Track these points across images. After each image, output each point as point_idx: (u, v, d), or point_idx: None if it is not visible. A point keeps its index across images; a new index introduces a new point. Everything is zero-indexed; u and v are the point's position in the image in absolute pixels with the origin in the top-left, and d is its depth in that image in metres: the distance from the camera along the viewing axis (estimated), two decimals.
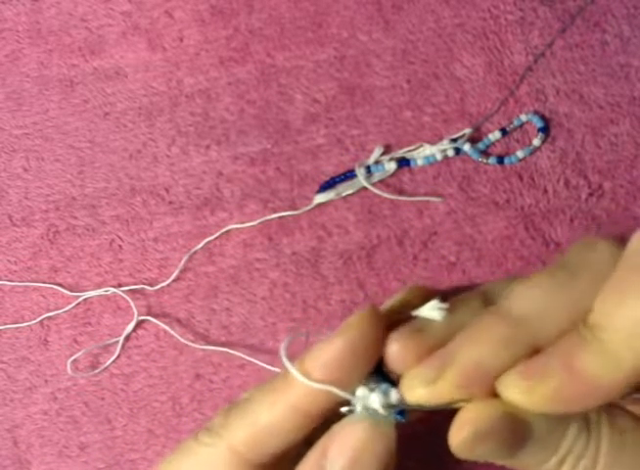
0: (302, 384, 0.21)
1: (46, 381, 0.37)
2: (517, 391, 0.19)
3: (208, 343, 0.36)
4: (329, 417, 0.22)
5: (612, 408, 0.21)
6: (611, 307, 0.18)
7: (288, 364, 0.22)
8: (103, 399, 0.36)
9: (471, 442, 0.19)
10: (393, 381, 0.22)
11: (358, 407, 0.21)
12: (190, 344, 0.36)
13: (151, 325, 0.37)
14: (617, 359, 0.18)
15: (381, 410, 0.21)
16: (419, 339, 0.21)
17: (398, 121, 0.38)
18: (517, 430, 0.20)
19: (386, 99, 0.39)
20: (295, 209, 0.38)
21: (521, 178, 0.37)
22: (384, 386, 0.22)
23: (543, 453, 0.20)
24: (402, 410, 0.22)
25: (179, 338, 0.36)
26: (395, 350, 0.21)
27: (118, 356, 0.37)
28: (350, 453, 0.20)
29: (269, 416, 0.22)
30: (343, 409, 0.22)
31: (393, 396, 0.21)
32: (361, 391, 0.21)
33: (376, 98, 0.39)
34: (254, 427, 0.22)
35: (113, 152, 0.40)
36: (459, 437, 0.20)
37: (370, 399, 0.21)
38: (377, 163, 0.37)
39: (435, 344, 0.21)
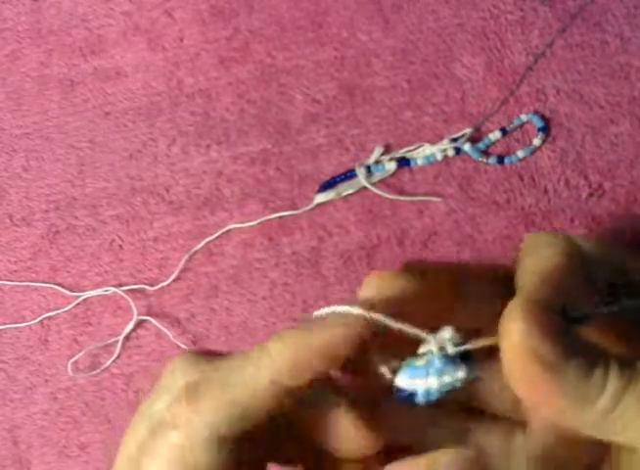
0: (285, 356, 0.20)
1: (46, 381, 0.37)
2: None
3: (209, 342, 0.36)
4: (305, 393, 0.22)
5: None
6: None
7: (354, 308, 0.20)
8: (103, 399, 0.36)
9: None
10: None
11: (434, 348, 0.19)
12: (182, 346, 0.36)
13: (151, 325, 0.37)
14: None
15: (451, 350, 0.19)
16: None
17: (398, 121, 0.38)
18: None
19: (386, 99, 0.39)
20: (295, 209, 0.38)
21: (521, 178, 0.37)
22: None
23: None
24: (469, 358, 0.20)
25: (173, 340, 0.36)
26: None
27: (118, 356, 0.37)
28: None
29: (246, 390, 0.20)
30: (422, 350, 0.20)
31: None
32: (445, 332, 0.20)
33: (376, 98, 0.39)
34: (230, 402, 0.20)
35: (113, 152, 0.40)
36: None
37: (444, 337, 0.19)
38: (377, 163, 0.37)
39: None
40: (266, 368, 0.20)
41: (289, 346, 0.21)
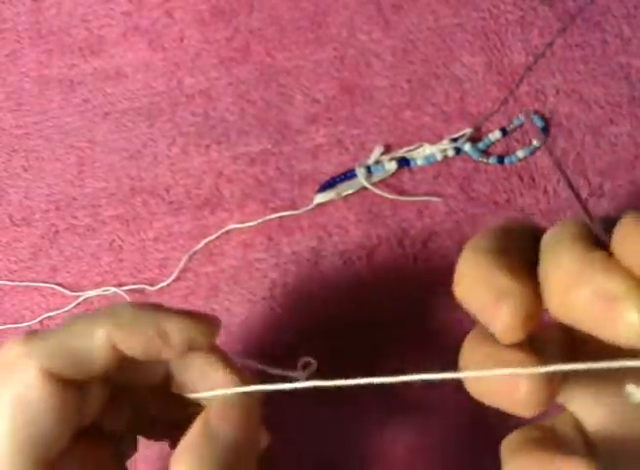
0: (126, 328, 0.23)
1: None
2: None
3: None
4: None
5: None
6: None
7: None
8: None
9: None
10: None
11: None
12: None
13: None
14: None
15: None
16: None
17: (398, 121, 0.38)
18: None
19: (386, 99, 0.39)
20: (295, 209, 0.38)
21: (521, 178, 0.37)
22: None
23: None
24: None
25: None
26: None
27: None
28: None
29: (82, 341, 0.23)
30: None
31: None
32: None
33: (376, 98, 0.39)
34: (64, 348, 0.23)
35: (113, 152, 0.40)
36: None
37: None
38: (377, 163, 0.37)
39: None
40: (105, 333, 0.23)
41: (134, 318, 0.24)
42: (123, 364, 0.24)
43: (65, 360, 0.22)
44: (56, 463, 0.22)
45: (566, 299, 0.18)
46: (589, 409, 0.22)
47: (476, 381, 0.20)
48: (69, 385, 0.23)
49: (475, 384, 0.20)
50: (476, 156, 0.37)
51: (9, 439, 0.21)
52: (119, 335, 0.23)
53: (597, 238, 0.19)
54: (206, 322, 0.25)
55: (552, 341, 0.21)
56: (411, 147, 0.38)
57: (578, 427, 0.22)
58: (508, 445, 0.22)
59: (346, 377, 0.23)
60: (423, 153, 0.37)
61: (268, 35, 0.40)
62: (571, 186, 0.22)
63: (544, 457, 0.20)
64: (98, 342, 0.23)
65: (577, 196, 0.22)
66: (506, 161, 0.37)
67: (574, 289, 0.17)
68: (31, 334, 0.23)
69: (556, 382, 0.19)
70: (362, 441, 0.35)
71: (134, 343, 0.23)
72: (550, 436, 0.22)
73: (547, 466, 0.20)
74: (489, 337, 0.20)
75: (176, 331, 0.24)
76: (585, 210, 0.21)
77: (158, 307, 0.25)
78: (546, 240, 0.20)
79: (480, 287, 0.19)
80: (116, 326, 0.23)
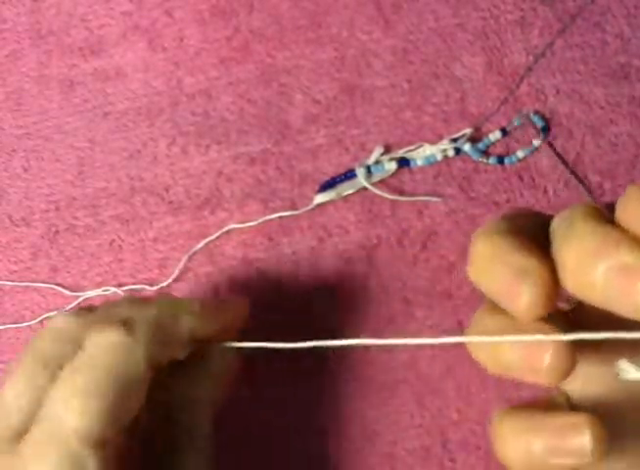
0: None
1: None
2: None
3: None
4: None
5: None
6: None
7: None
8: None
9: None
10: None
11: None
12: None
13: None
14: None
15: None
16: None
17: (398, 121, 0.38)
18: None
19: (386, 99, 0.39)
20: (295, 209, 0.38)
21: (521, 178, 0.37)
22: None
23: None
24: None
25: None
26: None
27: None
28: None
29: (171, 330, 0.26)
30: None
31: None
32: None
33: (376, 98, 0.39)
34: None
35: (113, 152, 0.40)
36: None
37: None
38: (377, 163, 0.37)
39: None
40: (189, 321, 0.26)
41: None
42: None
43: (162, 348, 0.25)
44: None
45: (583, 275, 0.18)
46: (582, 387, 0.22)
47: (491, 352, 0.20)
48: (157, 369, 0.25)
49: (490, 355, 0.20)
50: (476, 156, 0.37)
51: (108, 412, 0.23)
52: (199, 324, 0.26)
53: (608, 218, 0.19)
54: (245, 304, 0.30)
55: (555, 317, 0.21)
56: (411, 147, 0.38)
57: (570, 405, 0.22)
58: (501, 415, 0.21)
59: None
60: (423, 153, 0.37)
61: (268, 35, 0.40)
62: (573, 173, 0.22)
63: (544, 416, 0.20)
64: (184, 330, 0.25)
65: (581, 181, 0.22)
66: (506, 161, 0.37)
67: (592, 265, 0.17)
68: (129, 322, 0.25)
69: (576, 352, 0.19)
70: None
71: (209, 330, 0.26)
72: (545, 405, 0.22)
73: (547, 423, 0.20)
74: (502, 311, 0.20)
75: (235, 316, 0.28)
76: (590, 193, 0.21)
77: (217, 301, 0.30)
78: (557, 222, 0.20)
79: (497, 267, 0.19)
80: (196, 315, 0.26)
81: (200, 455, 0.26)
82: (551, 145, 0.36)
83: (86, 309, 0.27)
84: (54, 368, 0.24)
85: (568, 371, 0.19)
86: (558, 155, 0.35)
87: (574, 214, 0.19)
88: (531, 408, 0.21)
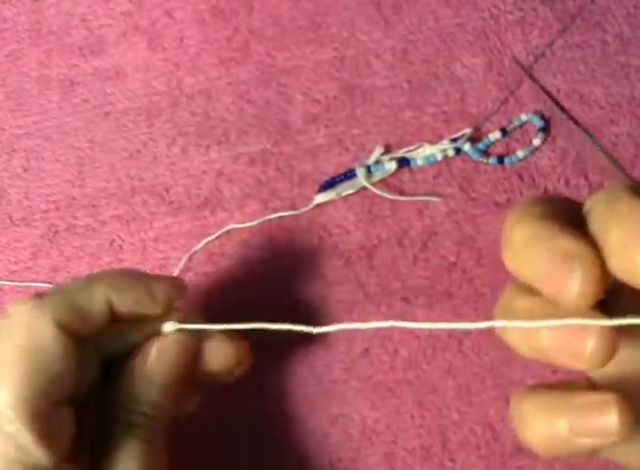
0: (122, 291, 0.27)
1: None
2: None
3: None
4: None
5: None
6: None
7: None
8: None
9: None
10: None
11: None
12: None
13: None
14: None
15: None
16: None
17: (398, 121, 0.38)
18: None
19: (386, 99, 0.39)
20: (295, 209, 0.38)
21: (521, 178, 0.37)
22: None
23: None
24: None
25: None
26: None
27: None
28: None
29: (84, 297, 0.26)
30: None
31: None
32: None
33: (376, 98, 0.39)
34: (71, 303, 0.25)
35: (113, 152, 0.40)
36: None
37: None
38: (377, 163, 0.37)
39: None
40: (103, 290, 0.26)
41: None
42: (112, 328, 0.27)
43: (72, 314, 0.25)
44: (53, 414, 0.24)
45: (629, 255, 0.17)
46: (606, 368, 0.21)
47: (526, 336, 0.19)
48: (74, 337, 0.25)
49: (525, 339, 0.19)
50: (476, 156, 0.37)
51: (25, 381, 0.23)
52: (115, 294, 0.26)
53: None
54: (181, 284, 0.30)
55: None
56: (411, 147, 0.38)
57: (592, 386, 0.21)
58: (522, 395, 0.21)
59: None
60: (423, 153, 0.37)
61: (268, 35, 0.40)
62: (605, 152, 0.22)
63: (568, 395, 0.19)
64: (98, 298, 0.26)
65: (614, 161, 0.22)
66: (506, 161, 0.37)
67: (638, 244, 0.17)
68: (39, 293, 0.26)
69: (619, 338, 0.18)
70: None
71: (126, 300, 0.26)
72: (566, 385, 0.21)
73: (572, 401, 0.19)
74: (537, 294, 0.19)
75: (161, 290, 0.27)
76: (621, 168, 0.21)
77: (142, 272, 0.29)
78: (591, 204, 0.19)
79: (539, 252, 0.18)
80: (111, 285, 0.26)
81: (132, 459, 0.26)
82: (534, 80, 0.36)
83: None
84: None
85: (610, 357, 0.18)
86: (542, 88, 0.34)
87: (616, 194, 0.18)
88: (553, 388, 0.21)
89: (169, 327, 0.28)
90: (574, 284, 0.17)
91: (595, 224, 0.19)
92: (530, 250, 0.19)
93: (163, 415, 0.27)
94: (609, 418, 0.18)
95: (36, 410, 0.23)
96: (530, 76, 0.30)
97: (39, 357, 0.24)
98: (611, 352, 0.18)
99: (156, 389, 0.27)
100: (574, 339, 0.18)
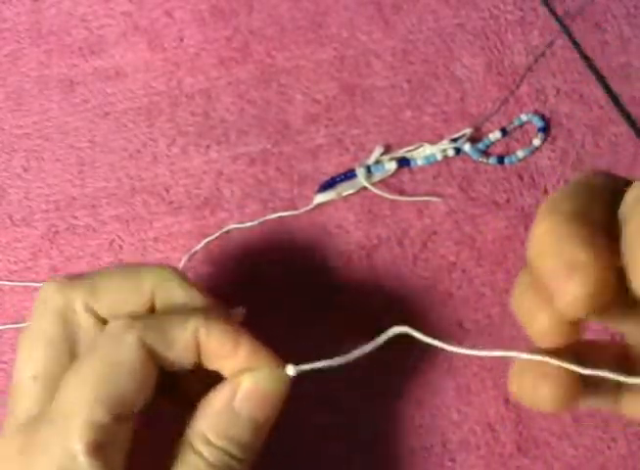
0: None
1: None
2: None
3: None
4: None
5: None
6: None
7: None
8: None
9: None
10: None
11: None
12: None
13: None
14: None
15: None
16: None
17: (398, 121, 0.38)
18: None
19: (386, 99, 0.39)
20: (295, 209, 0.38)
21: (521, 178, 0.37)
22: None
23: None
24: None
25: None
26: None
27: None
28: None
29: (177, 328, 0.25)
30: None
31: None
32: None
33: (376, 98, 0.39)
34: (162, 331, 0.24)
35: (113, 152, 0.40)
36: None
37: None
38: (377, 163, 0.37)
39: None
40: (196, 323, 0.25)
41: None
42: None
43: (159, 342, 0.24)
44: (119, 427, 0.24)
45: None
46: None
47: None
48: (153, 361, 0.24)
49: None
50: (476, 156, 0.37)
51: (92, 388, 0.23)
52: (205, 331, 0.25)
53: None
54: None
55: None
56: (411, 147, 0.38)
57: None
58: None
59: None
60: (423, 153, 0.37)
61: (268, 35, 0.40)
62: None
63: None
64: (188, 336, 0.24)
65: (615, 97, 0.21)
66: (506, 161, 0.37)
67: None
68: (133, 316, 0.25)
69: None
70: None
71: (214, 342, 0.25)
72: None
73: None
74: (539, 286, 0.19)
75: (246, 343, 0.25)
76: (620, 105, 0.20)
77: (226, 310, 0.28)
78: (629, 205, 0.19)
79: (552, 254, 0.18)
80: (205, 322, 0.25)
81: None
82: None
83: (76, 279, 0.27)
84: (62, 349, 0.25)
85: (566, 405, 0.19)
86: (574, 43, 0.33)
87: None
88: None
89: (291, 371, 0.25)
90: (568, 294, 0.17)
91: (625, 230, 0.18)
92: (544, 250, 0.18)
93: (252, 459, 0.25)
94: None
95: (101, 430, 0.23)
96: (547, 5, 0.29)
97: (114, 370, 0.23)
98: (566, 401, 0.19)
99: (250, 429, 0.24)
100: (532, 383, 0.19)
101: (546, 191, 0.37)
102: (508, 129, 0.37)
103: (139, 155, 0.40)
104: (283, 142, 0.39)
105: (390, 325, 0.36)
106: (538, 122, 0.37)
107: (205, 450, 0.24)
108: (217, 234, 0.38)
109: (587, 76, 0.38)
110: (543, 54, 0.38)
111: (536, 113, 0.37)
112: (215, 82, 0.40)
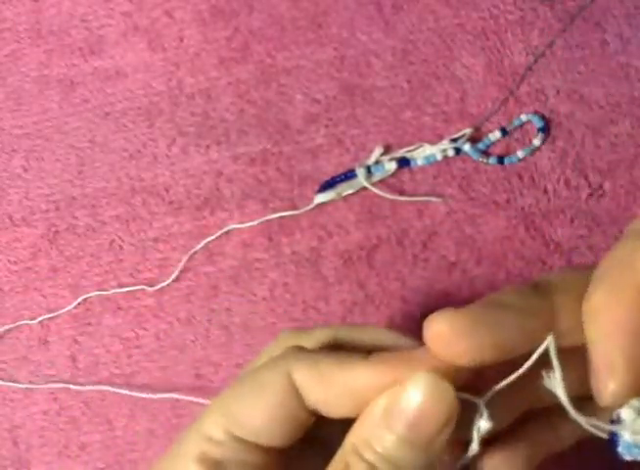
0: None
1: (46, 381, 0.37)
2: None
3: (209, 342, 0.37)
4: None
5: None
6: None
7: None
8: (103, 399, 0.36)
9: None
10: None
11: (626, 435, 0.18)
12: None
13: (151, 325, 0.37)
14: None
15: None
16: None
17: (398, 121, 0.38)
18: None
19: (386, 99, 0.39)
20: (295, 209, 0.38)
21: (521, 178, 0.37)
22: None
23: None
24: None
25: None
26: None
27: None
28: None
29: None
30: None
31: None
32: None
33: (376, 98, 0.39)
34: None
35: (113, 152, 0.40)
36: None
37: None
38: (377, 163, 0.37)
39: None
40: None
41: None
42: None
43: (312, 384, 0.21)
44: None
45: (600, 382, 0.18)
46: None
47: None
48: (298, 401, 0.21)
49: None
50: (476, 156, 0.37)
51: (222, 397, 0.21)
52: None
53: None
54: None
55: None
56: (411, 147, 0.38)
57: None
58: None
59: None
60: (423, 153, 0.37)
61: (268, 35, 0.40)
62: None
63: None
64: (347, 382, 0.20)
65: None
66: (506, 161, 0.37)
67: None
68: (299, 346, 0.22)
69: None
70: None
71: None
72: None
73: None
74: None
75: None
76: None
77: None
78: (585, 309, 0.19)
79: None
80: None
81: None
82: None
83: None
84: None
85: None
86: None
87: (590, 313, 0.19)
88: None
89: (485, 425, 0.20)
90: (608, 389, 0.18)
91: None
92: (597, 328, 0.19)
93: None
94: None
95: (215, 445, 0.21)
96: None
97: (252, 399, 0.21)
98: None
99: (409, 447, 0.20)
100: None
101: (546, 191, 0.37)
102: (508, 129, 0.37)
103: (139, 155, 0.40)
104: (283, 142, 0.39)
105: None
106: (538, 122, 0.37)
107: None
108: (217, 234, 0.38)
109: (587, 76, 0.38)
110: (543, 54, 0.38)
111: (536, 113, 0.37)
112: (215, 82, 0.40)
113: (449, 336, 0.19)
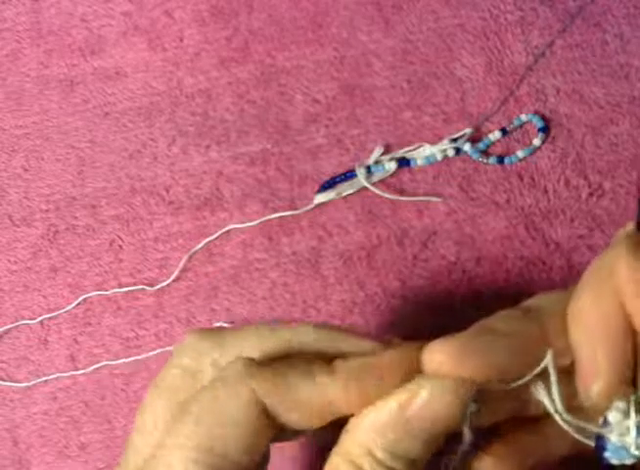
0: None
1: (46, 381, 0.37)
2: None
3: None
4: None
5: None
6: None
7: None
8: (103, 399, 0.36)
9: None
10: None
11: (613, 437, 0.19)
12: None
13: (151, 325, 0.37)
14: None
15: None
16: None
17: (398, 121, 0.38)
18: None
19: (386, 99, 0.39)
20: (295, 209, 0.38)
21: (521, 178, 0.37)
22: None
23: None
24: None
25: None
26: None
27: (119, 356, 0.37)
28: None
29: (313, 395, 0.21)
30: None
31: None
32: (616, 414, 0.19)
33: (376, 98, 0.39)
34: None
35: (113, 152, 0.40)
36: None
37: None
38: (377, 163, 0.37)
39: None
40: (328, 395, 0.21)
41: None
42: None
43: (278, 402, 0.21)
44: None
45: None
46: None
47: None
48: (268, 422, 0.22)
49: None
50: (476, 156, 0.37)
51: (192, 440, 0.21)
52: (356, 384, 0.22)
53: None
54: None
55: None
56: (411, 147, 0.38)
57: None
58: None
59: None
60: (423, 153, 0.37)
61: (268, 35, 0.40)
62: None
63: None
64: (315, 399, 0.21)
65: None
66: (506, 161, 0.37)
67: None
68: (251, 361, 0.22)
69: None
70: None
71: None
72: None
73: None
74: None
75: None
76: None
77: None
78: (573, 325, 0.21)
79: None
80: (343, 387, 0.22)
81: None
82: None
83: (218, 334, 0.24)
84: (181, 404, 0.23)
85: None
86: None
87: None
88: None
89: (473, 407, 0.21)
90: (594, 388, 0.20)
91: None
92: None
93: None
94: None
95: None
96: None
97: (218, 421, 0.21)
98: None
99: (420, 442, 0.21)
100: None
101: (546, 191, 0.37)
102: (508, 129, 0.37)
103: (139, 155, 0.40)
104: (283, 142, 0.39)
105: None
106: (538, 122, 0.37)
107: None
108: (217, 234, 0.38)
109: (587, 76, 0.38)
110: (543, 54, 0.38)
111: (536, 113, 0.37)
112: (215, 82, 0.40)
113: (449, 367, 0.20)
